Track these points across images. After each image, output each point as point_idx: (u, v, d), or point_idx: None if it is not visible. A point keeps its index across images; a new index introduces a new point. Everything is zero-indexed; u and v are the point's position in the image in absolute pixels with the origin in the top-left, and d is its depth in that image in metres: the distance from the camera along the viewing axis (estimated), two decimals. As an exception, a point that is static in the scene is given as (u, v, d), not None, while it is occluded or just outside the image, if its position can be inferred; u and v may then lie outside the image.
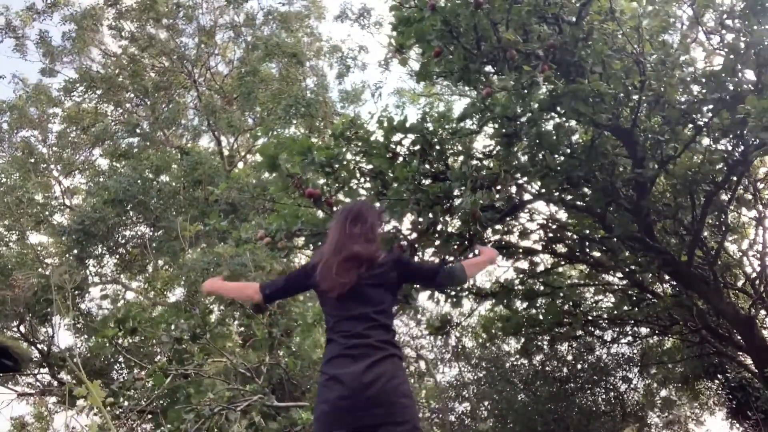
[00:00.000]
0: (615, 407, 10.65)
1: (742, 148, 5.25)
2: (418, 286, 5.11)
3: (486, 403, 11.24)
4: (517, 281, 6.78)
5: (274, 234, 4.93)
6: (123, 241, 13.44)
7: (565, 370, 10.67)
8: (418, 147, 5.39)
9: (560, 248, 6.66)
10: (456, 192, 5.16)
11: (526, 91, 4.54)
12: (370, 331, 2.46)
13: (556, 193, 5.78)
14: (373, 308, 2.51)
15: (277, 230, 4.93)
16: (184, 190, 12.85)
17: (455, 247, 5.56)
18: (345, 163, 5.21)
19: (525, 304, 7.19)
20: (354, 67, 15.60)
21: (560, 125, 5.48)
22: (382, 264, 2.61)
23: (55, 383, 12.00)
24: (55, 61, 14.93)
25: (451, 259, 5.23)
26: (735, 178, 5.87)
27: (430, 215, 5.15)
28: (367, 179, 5.42)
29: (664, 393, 11.48)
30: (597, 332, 9.09)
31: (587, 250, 6.69)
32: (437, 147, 5.41)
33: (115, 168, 13.71)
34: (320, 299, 2.64)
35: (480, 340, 11.12)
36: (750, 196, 6.96)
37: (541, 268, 6.92)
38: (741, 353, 7.95)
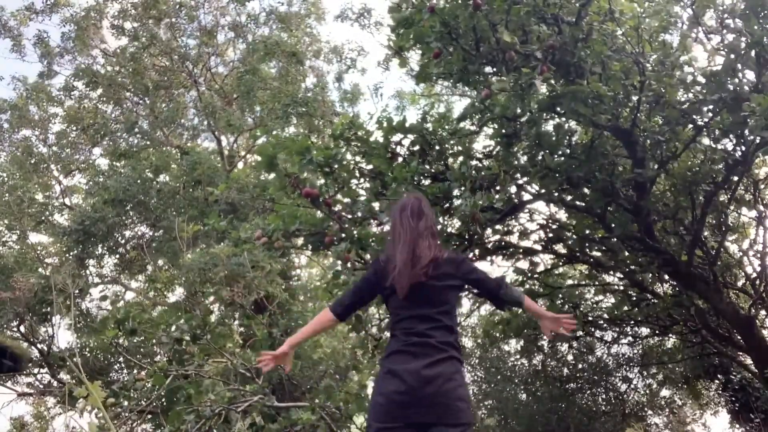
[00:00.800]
0: (615, 407, 10.64)
1: (743, 148, 5.24)
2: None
3: (486, 403, 11.25)
4: (517, 282, 6.77)
5: (271, 234, 4.92)
6: (123, 241, 13.45)
7: (565, 370, 10.67)
8: (417, 147, 5.39)
9: (560, 248, 6.65)
10: (455, 192, 5.15)
11: (524, 92, 4.53)
12: (432, 331, 2.45)
13: (556, 194, 5.76)
14: (437, 308, 2.51)
15: (275, 230, 4.92)
16: (184, 190, 12.86)
17: (455, 247, 5.56)
18: (344, 163, 5.20)
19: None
20: (353, 69, 15.64)
21: (560, 126, 5.47)
22: (447, 263, 2.58)
23: (55, 383, 12.01)
24: (54, 62, 14.93)
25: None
26: (735, 178, 5.86)
27: (430, 216, 5.13)
28: (367, 179, 5.41)
29: (664, 393, 11.47)
30: (597, 332, 9.09)
31: (587, 250, 6.68)
32: (437, 147, 5.40)
33: (115, 168, 13.72)
34: (385, 297, 2.63)
35: (480, 341, 11.12)
36: (750, 196, 6.95)
37: (541, 268, 6.91)
38: (741, 353, 7.94)
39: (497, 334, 8.49)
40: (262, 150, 4.96)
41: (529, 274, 6.74)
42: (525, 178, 5.60)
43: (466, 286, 2.74)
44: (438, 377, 2.33)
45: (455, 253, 2.72)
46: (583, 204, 5.93)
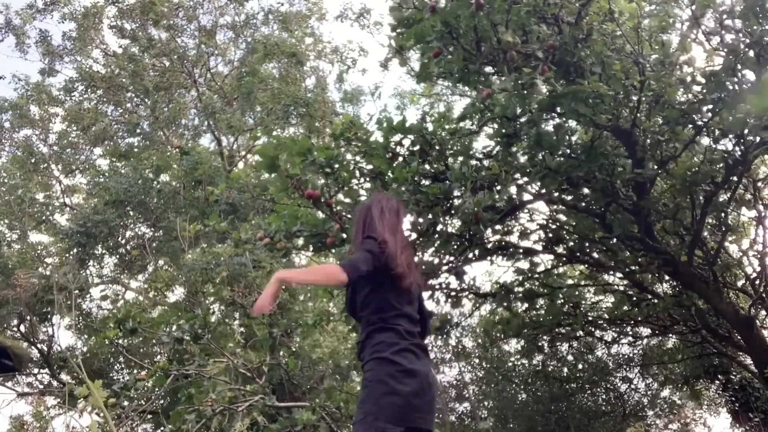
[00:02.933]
0: (615, 407, 10.65)
1: (742, 148, 5.25)
2: None
3: (486, 403, 11.25)
4: (516, 282, 6.78)
5: (274, 235, 4.93)
6: (123, 241, 13.45)
7: (565, 370, 10.67)
8: (417, 147, 5.40)
9: (560, 248, 6.65)
10: (456, 192, 5.16)
11: (525, 92, 4.54)
12: (418, 335, 2.44)
13: (556, 194, 5.77)
14: (418, 315, 2.52)
15: (277, 231, 4.93)
16: (184, 190, 12.86)
17: (455, 247, 5.56)
18: (345, 163, 5.21)
19: (525, 305, 7.18)
20: (354, 69, 15.65)
21: (560, 126, 5.48)
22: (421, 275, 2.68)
23: (55, 383, 12.01)
24: (56, 61, 14.93)
25: None
26: (735, 178, 5.87)
27: (430, 216, 5.15)
28: (367, 180, 5.42)
29: (664, 393, 11.47)
30: (597, 332, 9.08)
31: (587, 250, 6.68)
32: (437, 147, 5.41)
33: (116, 168, 13.72)
34: (381, 283, 2.41)
35: (480, 341, 11.11)
36: (750, 196, 6.95)
37: (541, 268, 6.92)
38: (741, 353, 7.94)
39: (497, 334, 8.48)
40: (263, 151, 4.96)
41: (529, 274, 6.75)
42: (525, 178, 5.61)
43: None
44: (434, 382, 2.33)
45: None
46: (583, 204, 5.94)
